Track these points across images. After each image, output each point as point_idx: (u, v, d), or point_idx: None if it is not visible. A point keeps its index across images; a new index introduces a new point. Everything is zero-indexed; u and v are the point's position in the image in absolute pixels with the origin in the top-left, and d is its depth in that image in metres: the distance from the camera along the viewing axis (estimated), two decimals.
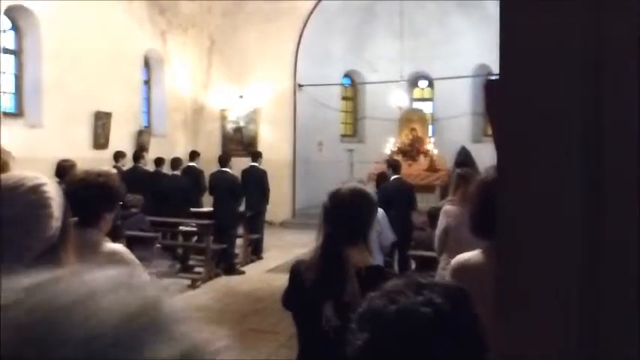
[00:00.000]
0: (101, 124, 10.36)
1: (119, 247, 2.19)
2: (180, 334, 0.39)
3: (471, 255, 2.00)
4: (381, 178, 7.43)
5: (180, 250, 8.29)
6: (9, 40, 9.08)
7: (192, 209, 8.52)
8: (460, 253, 2.97)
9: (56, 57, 9.31)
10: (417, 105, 15.39)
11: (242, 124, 13.24)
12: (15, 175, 1.32)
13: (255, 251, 9.16)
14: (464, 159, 9.32)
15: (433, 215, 4.81)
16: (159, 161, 9.33)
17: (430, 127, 14.58)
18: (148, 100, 12.43)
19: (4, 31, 8.88)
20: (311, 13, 12.79)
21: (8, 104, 9.13)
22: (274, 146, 12.43)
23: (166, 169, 9.40)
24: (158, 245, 6.78)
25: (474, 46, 13.57)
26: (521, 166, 0.98)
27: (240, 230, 8.77)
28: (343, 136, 15.46)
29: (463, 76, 13.39)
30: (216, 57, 13.40)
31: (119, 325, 0.36)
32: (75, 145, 9.22)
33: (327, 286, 1.77)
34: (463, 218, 4.04)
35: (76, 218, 1.85)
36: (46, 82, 9.26)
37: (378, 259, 3.80)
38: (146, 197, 7.03)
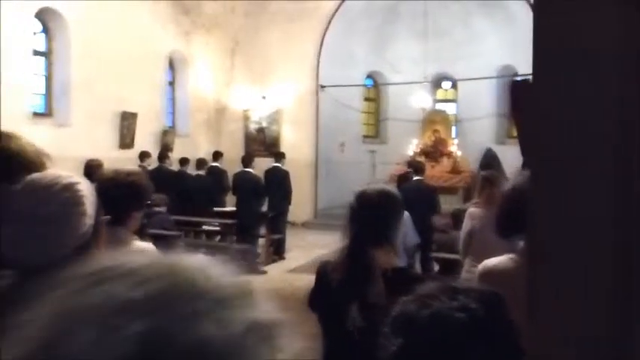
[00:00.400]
0: (127, 124, 10.52)
1: (148, 245, 2.23)
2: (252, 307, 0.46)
3: (499, 260, 1.98)
4: (402, 179, 7.39)
5: (203, 249, 8.36)
6: (39, 42, 9.29)
7: (215, 209, 8.60)
8: (485, 256, 2.94)
9: (84, 58, 9.50)
10: (440, 106, 15.28)
11: (264, 124, 13.31)
12: (49, 173, 1.36)
13: (277, 251, 9.20)
14: (489, 161, 9.21)
15: (457, 217, 4.78)
16: (183, 161, 9.44)
17: (453, 129, 14.46)
18: (172, 100, 12.59)
19: (35, 33, 9.09)
20: (334, 14, 12.80)
21: (38, 104, 9.34)
22: (296, 147, 12.47)
23: (190, 169, 9.53)
24: (181, 244, 6.87)
25: (497, 46, 13.42)
26: (554, 168, 0.97)
27: (263, 230, 8.82)
28: (365, 137, 15.43)
29: (487, 77, 13.24)
30: (239, 57, 13.50)
31: (228, 291, 0.45)
32: (101, 145, 9.39)
33: (353, 286, 1.77)
34: (488, 221, 4.01)
35: (106, 217, 1.89)
36: (74, 83, 9.46)
37: (401, 261, 3.79)
38: (170, 197, 7.13)
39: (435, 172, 12.26)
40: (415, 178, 7.19)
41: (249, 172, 8.65)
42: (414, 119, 13.99)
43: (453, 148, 13.22)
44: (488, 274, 1.91)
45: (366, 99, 15.54)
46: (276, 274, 8.16)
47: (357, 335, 1.69)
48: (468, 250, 4.05)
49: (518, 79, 11.73)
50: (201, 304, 0.41)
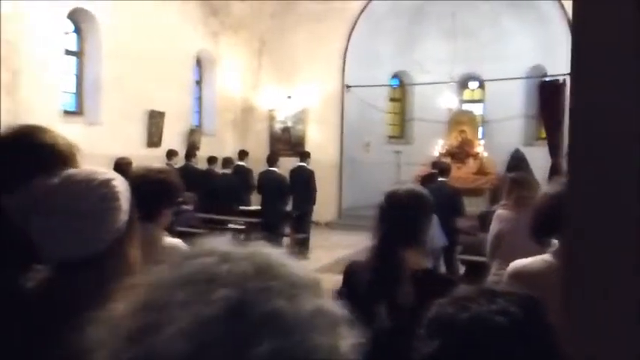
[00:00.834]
0: (155, 122, 10.68)
1: (178, 241, 2.26)
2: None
3: (530, 261, 1.95)
4: (426, 180, 7.31)
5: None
6: (71, 42, 9.49)
7: (240, 207, 8.67)
8: (513, 258, 2.90)
9: (114, 58, 9.67)
10: (466, 107, 15.11)
11: (290, 124, 13.36)
12: (86, 169, 1.38)
13: (301, 251, 9.22)
14: (517, 162, 9.06)
15: (484, 219, 4.72)
16: (211, 160, 9.54)
17: (480, 130, 14.29)
18: (199, 99, 12.73)
19: (67, 33, 9.30)
20: (360, 14, 12.78)
21: (69, 103, 9.55)
22: (321, 147, 12.48)
23: (216, 168, 9.62)
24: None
25: (527, 46, 13.21)
26: (593, 169, 0.95)
27: (287, 229, 8.85)
28: (390, 137, 15.35)
29: (516, 77, 13.04)
30: (265, 58, 13.58)
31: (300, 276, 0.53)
32: (130, 143, 9.56)
33: (382, 287, 1.76)
34: (517, 223, 3.95)
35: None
36: (104, 82, 9.64)
37: (427, 263, 3.76)
38: (197, 195, 7.21)
39: (461, 174, 12.13)
40: (440, 179, 7.11)
41: (274, 171, 8.69)
42: (439, 120, 13.87)
43: (480, 149, 13.06)
44: (519, 275, 1.89)
45: (392, 99, 15.47)
46: None
47: (385, 336, 1.69)
48: (496, 253, 3.99)
49: (548, 79, 11.56)
50: (274, 283, 0.49)
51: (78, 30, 9.59)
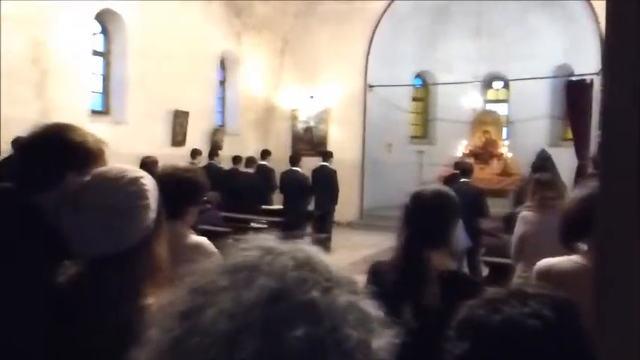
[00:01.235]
0: (179, 122, 10.81)
1: (203, 239, 2.29)
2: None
3: (558, 260, 1.93)
4: (448, 181, 7.25)
5: None
6: (98, 43, 9.67)
7: (262, 207, 8.71)
8: (538, 260, 2.86)
9: (140, 58, 9.82)
10: (490, 107, 14.93)
11: (312, 124, 13.38)
12: (116, 167, 1.41)
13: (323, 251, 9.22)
14: (542, 163, 8.89)
15: (508, 221, 4.66)
16: (236, 159, 9.61)
17: (504, 130, 14.11)
18: (222, 99, 12.84)
19: (95, 34, 9.47)
20: (383, 13, 12.73)
21: (96, 102, 9.72)
22: (343, 147, 12.47)
23: (240, 167, 9.70)
24: (230, 241, 6.98)
25: (553, 45, 13.00)
26: (625, 169, 0.94)
27: (309, 229, 8.87)
28: (413, 137, 15.27)
29: (541, 77, 12.84)
30: (288, 58, 13.62)
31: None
32: (154, 142, 9.69)
33: (408, 288, 1.75)
34: (541, 225, 3.90)
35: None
36: (130, 82, 9.79)
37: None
38: (220, 194, 7.27)
39: (485, 175, 12.00)
40: (462, 180, 7.04)
41: (296, 170, 8.72)
42: (463, 120, 13.75)
43: (504, 149, 12.91)
44: (546, 274, 1.87)
45: (415, 99, 15.38)
46: None
47: (411, 337, 1.68)
48: (521, 255, 3.94)
49: (575, 79, 11.35)
50: (311, 276, 0.53)
51: (105, 31, 9.76)
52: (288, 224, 8.05)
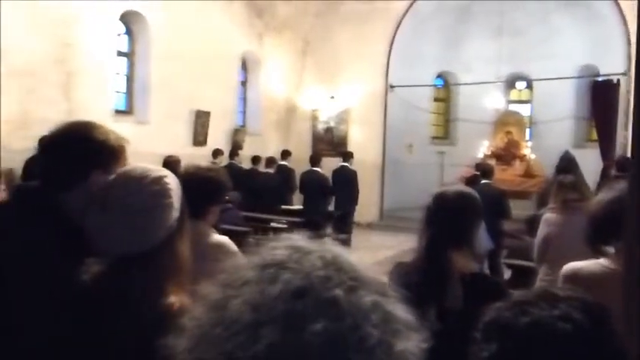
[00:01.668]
0: (201, 122, 10.90)
1: (225, 238, 2.31)
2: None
3: (586, 264, 1.90)
4: (469, 182, 7.18)
5: None
6: (123, 44, 9.81)
7: (282, 207, 8.74)
8: (561, 263, 2.82)
9: (163, 59, 9.93)
10: (513, 107, 14.75)
11: (332, 124, 13.38)
12: (139, 166, 1.42)
13: None
14: (566, 164, 8.76)
15: (532, 223, 4.60)
16: (255, 159, 9.65)
17: (527, 131, 13.92)
18: (243, 99, 12.92)
19: (119, 35, 9.61)
20: (404, 13, 12.66)
21: (120, 102, 9.86)
22: (363, 147, 12.44)
23: (260, 167, 9.74)
24: (251, 240, 7.02)
25: (578, 45, 12.79)
26: None
27: (329, 229, 8.86)
28: (434, 138, 15.16)
29: (565, 77, 12.63)
30: (309, 58, 13.65)
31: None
32: (176, 142, 9.80)
33: (430, 289, 1.74)
34: (565, 227, 3.84)
35: None
36: (153, 82, 9.91)
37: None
38: (240, 193, 7.31)
39: (507, 176, 11.87)
40: (483, 181, 6.97)
41: (316, 171, 8.73)
42: (485, 120, 13.60)
43: (527, 150, 12.74)
44: (574, 277, 1.84)
45: (436, 99, 15.27)
46: None
47: (432, 339, 1.66)
48: (544, 258, 3.89)
49: (601, 79, 11.14)
50: (336, 275, 0.55)
51: (129, 32, 9.89)
52: (308, 224, 8.06)
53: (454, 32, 13.93)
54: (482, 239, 4.47)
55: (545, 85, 13.26)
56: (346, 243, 9.30)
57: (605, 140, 9.73)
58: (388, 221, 12.39)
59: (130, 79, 9.97)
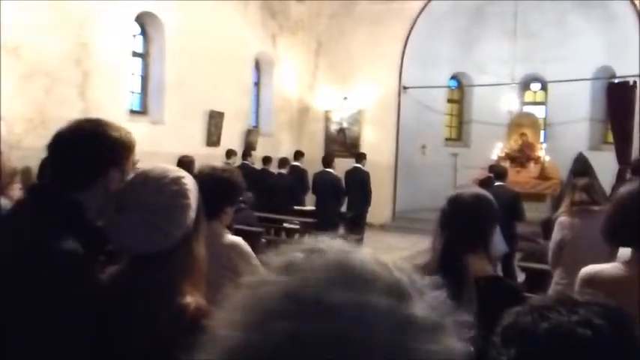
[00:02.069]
0: (214, 122, 10.95)
1: (238, 239, 2.31)
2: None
3: (603, 267, 1.87)
4: (482, 185, 7.13)
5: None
6: (138, 45, 9.89)
7: (295, 207, 8.75)
8: (576, 267, 2.78)
9: (177, 59, 10.01)
10: (527, 109, 14.62)
11: (345, 125, 13.37)
12: (159, 166, 1.43)
13: None
14: (580, 166, 8.69)
15: (547, 226, 4.56)
16: (266, 160, 9.67)
17: (542, 133, 13.79)
18: (256, 100, 12.96)
19: (134, 36, 9.69)
20: (419, 14, 12.61)
21: (135, 103, 9.95)
22: (377, 148, 12.42)
23: (271, 168, 9.77)
24: (263, 240, 7.04)
25: (593, 46, 12.64)
26: None
27: (341, 230, 8.85)
28: (447, 139, 15.08)
29: (581, 78, 12.50)
30: (322, 59, 13.65)
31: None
32: (190, 142, 9.86)
33: (445, 292, 1.72)
34: (580, 231, 3.80)
35: None
36: (167, 83, 9.99)
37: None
38: (253, 194, 7.34)
39: (521, 178, 11.76)
40: (496, 183, 6.92)
41: (329, 172, 8.72)
42: (499, 122, 13.50)
43: (541, 152, 12.61)
44: (591, 281, 1.81)
45: (450, 101, 15.19)
46: None
47: None
48: (559, 261, 3.86)
49: (617, 80, 11.00)
50: (337, 276, 0.51)
51: (144, 33, 9.98)
52: (321, 225, 8.06)
53: (469, 33, 13.85)
54: (497, 242, 4.44)
55: (561, 87, 13.13)
56: (358, 244, 9.26)
57: (621, 142, 9.61)
58: (401, 222, 12.34)
59: (144, 79, 10.06)
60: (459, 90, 15.25)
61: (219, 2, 10.71)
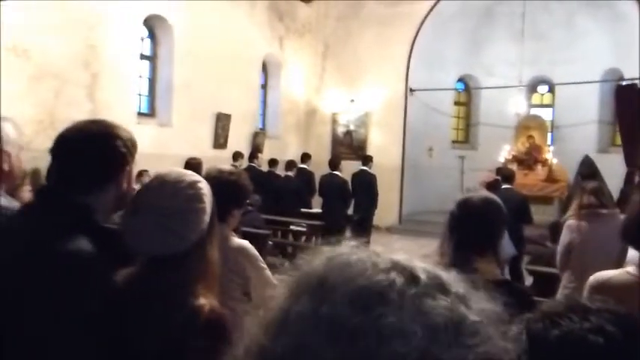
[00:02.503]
0: (221, 125, 10.97)
1: (245, 242, 2.32)
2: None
3: (614, 273, 1.86)
4: (489, 187, 7.09)
5: (289, 249, 8.55)
6: (146, 47, 9.94)
7: (302, 210, 8.75)
8: (584, 270, 2.77)
9: (185, 62, 10.04)
10: (535, 111, 14.55)
11: (352, 127, 13.37)
12: (175, 170, 1.44)
13: None
14: (587, 168, 8.64)
15: (555, 229, 4.53)
16: (272, 162, 9.68)
17: (549, 135, 13.72)
18: (263, 102, 12.97)
19: (142, 38, 9.74)
20: (426, 16, 12.59)
21: (143, 105, 10.00)
22: (383, 151, 12.40)
23: (277, 170, 9.78)
24: (270, 242, 7.05)
25: (602, 48, 12.57)
26: None
27: (348, 233, 8.85)
28: (454, 142, 15.04)
29: (590, 81, 12.43)
30: (329, 61, 13.67)
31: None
32: (198, 144, 9.89)
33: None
34: (588, 234, 3.78)
35: None
36: (175, 85, 10.02)
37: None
38: (260, 196, 7.35)
39: (529, 181, 11.72)
40: (504, 186, 6.89)
41: (336, 174, 8.72)
42: (506, 124, 13.46)
43: (549, 155, 12.55)
44: (602, 288, 1.80)
45: (457, 103, 15.15)
46: None
47: None
48: (567, 264, 3.84)
49: (625, 83, 10.92)
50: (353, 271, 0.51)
51: (152, 35, 10.02)
52: (327, 228, 8.06)
53: (476, 35, 13.82)
54: (506, 246, 4.42)
55: (568, 89, 13.07)
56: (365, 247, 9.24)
57: (630, 145, 9.54)
58: (407, 225, 12.32)
59: (152, 81, 10.10)
60: (466, 92, 15.21)
61: (227, 5, 10.75)
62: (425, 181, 13.21)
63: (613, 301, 0.85)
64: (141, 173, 7.53)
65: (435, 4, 12.45)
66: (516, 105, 13.16)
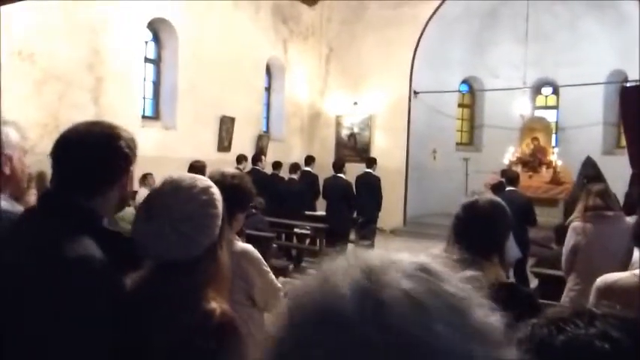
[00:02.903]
0: (225, 128, 11.00)
1: (249, 246, 2.32)
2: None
3: (621, 276, 1.85)
4: (494, 189, 7.08)
5: (294, 252, 8.54)
6: (150, 51, 9.98)
7: (306, 212, 8.75)
8: (590, 273, 2.75)
9: (189, 65, 10.07)
10: (539, 113, 14.52)
11: (356, 130, 13.37)
12: (188, 176, 1.44)
13: None
14: (589, 170, 8.61)
15: (560, 231, 4.51)
16: (276, 165, 9.68)
17: (554, 137, 13.69)
18: (267, 105, 12.99)
19: (147, 42, 9.78)
20: (430, 18, 12.59)
21: (148, 108, 10.03)
22: (387, 153, 12.40)
23: (281, 173, 9.77)
24: (274, 245, 7.05)
25: (606, 50, 12.54)
26: None
27: (352, 236, 8.84)
28: (458, 144, 15.01)
29: (594, 82, 12.39)
30: (333, 64, 13.68)
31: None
32: (202, 147, 9.90)
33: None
34: (593, 236, 3.76)
35: None
36: (180, 89, 10.05)
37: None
38: (264, 199, 7.34)
39: (533, 183, 11.68)
40: (508, 188, 6.87)
41: (339, 177, 8.71)
42: (510, 126, 13.43)
43: (553, 157, 12.51)
44: (609, 290, 1.79)
45: (461, 105, 15.13)
46: None
47: None
48: (572, 267, 3.82)
49: (630, 84, 10.88)
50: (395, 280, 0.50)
51: (156, 39, 10.06)
52: (332, 230, 8.05)
53: (480, 37, 13.81)
54: (511, 248, 4.40)
55: (573, 91, 13.05)
56: (369, 249, 9.22)
57: (635, 147, 9.49)
58: (412, 227, 12.30)
59: (157, 85, 10.13)
60: (471, 94, 15.19)
61: (231, 8, 10.78)
62: (429, 184, 13.19)
63: (620, 305, 0.84)
64: (145, 176, 7.57)
65: (438, 7, 12.45)
66: (521, 107, 13.14)
